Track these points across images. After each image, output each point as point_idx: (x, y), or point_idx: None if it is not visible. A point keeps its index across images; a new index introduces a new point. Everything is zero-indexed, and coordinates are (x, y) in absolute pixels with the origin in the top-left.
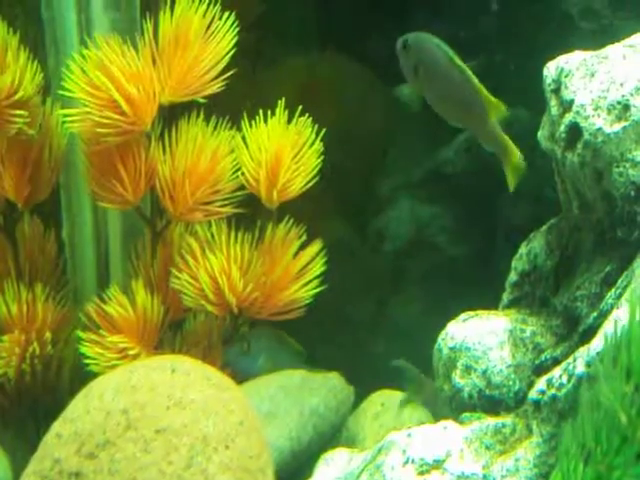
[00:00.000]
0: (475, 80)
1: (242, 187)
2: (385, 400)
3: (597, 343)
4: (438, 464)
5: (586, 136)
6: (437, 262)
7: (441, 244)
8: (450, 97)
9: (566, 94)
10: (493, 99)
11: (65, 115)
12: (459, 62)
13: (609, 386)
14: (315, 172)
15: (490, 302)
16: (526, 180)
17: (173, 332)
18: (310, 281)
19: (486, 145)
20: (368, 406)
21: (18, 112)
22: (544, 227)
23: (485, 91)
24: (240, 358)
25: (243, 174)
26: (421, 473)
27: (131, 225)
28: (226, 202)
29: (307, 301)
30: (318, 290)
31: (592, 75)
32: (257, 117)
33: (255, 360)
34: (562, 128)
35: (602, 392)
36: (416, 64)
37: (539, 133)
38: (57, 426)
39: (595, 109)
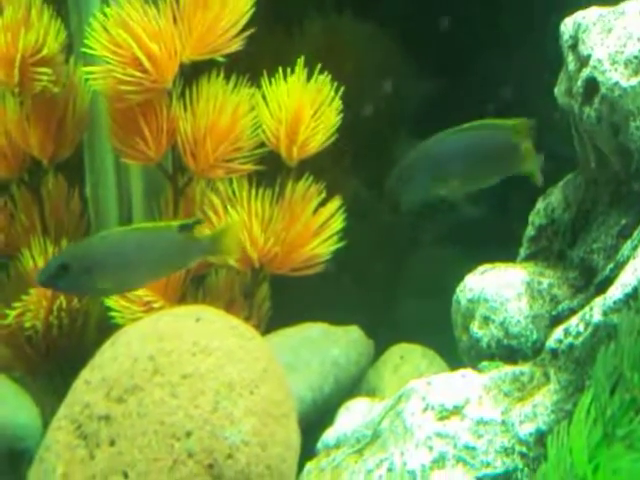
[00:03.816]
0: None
1: (262, 144)
2: (404, 353)
3: (613, 292)
4: (457, 410)
5: (603, 90)
6: (454, 222)
7: (458, 204)
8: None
9: (583, 49)
10: (517, 122)
11: (88, 73)
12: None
13: None
14: (334, 129)
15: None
16: (541, 138)
17: (195, 286)
18: (329, 237)
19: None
20: (387, 359)
21: (42, 70)
22: (561, 182)
23: (510, 123)
24: (56, 281)
25: (263, 131)
26: (441, 419)
27: (153, 182)
28: (247, 159)
29: (326, 257)
30: (337, 246)
31: (609, 30)
32: (277, 75)
33: (77, 279)
34: (579, 83)
35: None
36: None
37: (556, 89)
38: (85, 373)
39: (612, 64)
